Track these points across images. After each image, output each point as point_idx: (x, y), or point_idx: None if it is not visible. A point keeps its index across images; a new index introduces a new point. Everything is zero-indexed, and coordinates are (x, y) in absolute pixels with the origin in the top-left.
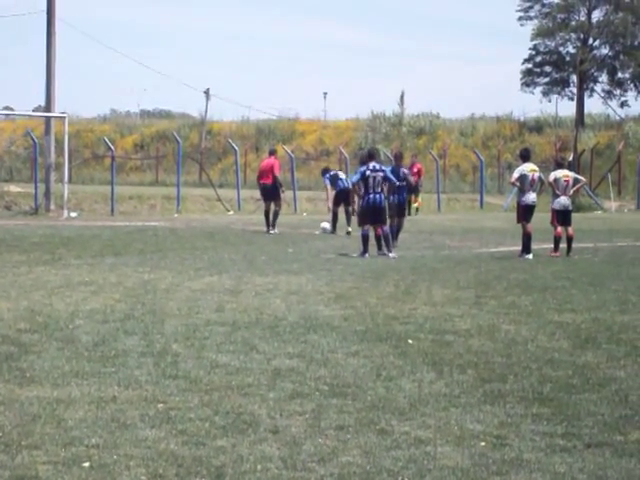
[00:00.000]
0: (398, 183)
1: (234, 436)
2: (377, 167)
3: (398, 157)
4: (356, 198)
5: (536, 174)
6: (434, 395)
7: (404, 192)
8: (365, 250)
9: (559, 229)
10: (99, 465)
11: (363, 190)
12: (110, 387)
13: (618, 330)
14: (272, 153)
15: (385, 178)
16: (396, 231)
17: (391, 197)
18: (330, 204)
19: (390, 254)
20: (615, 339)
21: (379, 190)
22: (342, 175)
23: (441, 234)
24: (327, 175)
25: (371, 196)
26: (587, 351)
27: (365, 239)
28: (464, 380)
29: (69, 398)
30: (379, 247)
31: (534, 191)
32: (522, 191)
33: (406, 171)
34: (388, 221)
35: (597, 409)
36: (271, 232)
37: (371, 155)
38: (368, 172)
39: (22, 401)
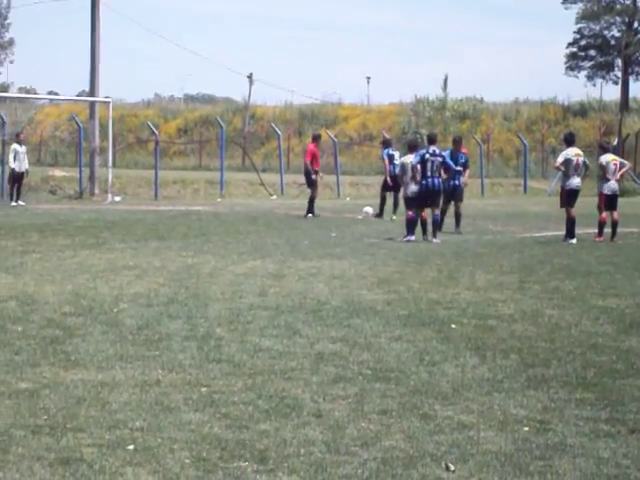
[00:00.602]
0: (458, 168)
1: (277, 420)
2: (437, 151)
3: (457, 142)
4: (408, 179)
5: (580, 158)
6: (477, 380)
7: (460, 177)
8: (411, 234)
9: (604, 214)
10: (143, 448)
11: (420, 174)
12: (154, 371)
13: None
14: (314, 139)
15: (443, 163)
16: (456, 216)
17: (449, 182)
18: (389, 178)
19: (434, 239)
20: None
21: (437, 175)
22: (397, 159)
23: (484, 219)
24: (386, 150)
25: (429, 180)
26: (631, 336)
27: (413, 223)
28: (507, 365)
29: (113, 381)
30: (424, 232)
31: (578, 175)
32: (566, 175)
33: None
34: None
35: None
36: (307, 217)
37: (431, 139)
38: (427, 155)
39: (67, 384)
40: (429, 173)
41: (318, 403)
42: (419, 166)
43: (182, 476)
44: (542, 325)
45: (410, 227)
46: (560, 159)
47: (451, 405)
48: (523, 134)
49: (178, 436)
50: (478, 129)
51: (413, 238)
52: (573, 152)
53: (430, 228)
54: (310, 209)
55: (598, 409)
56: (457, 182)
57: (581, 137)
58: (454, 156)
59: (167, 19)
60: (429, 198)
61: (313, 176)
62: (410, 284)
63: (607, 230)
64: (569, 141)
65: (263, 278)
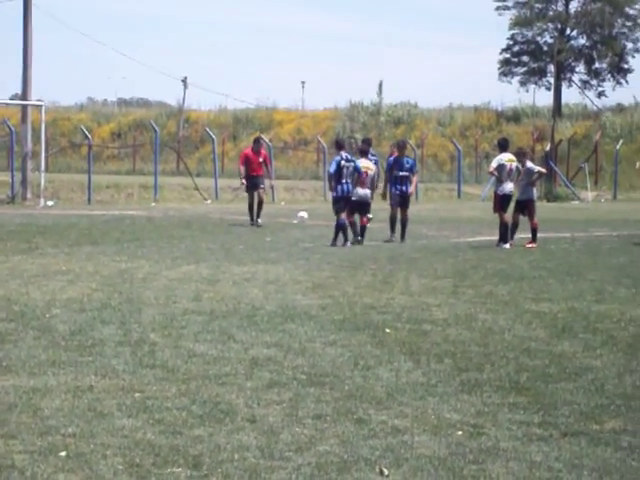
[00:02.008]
0: (404, 174)
1: (211, 425)
2: (349, 157)
3: (401, 146)
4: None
5: (514, 164)
6: (411, 384)
7: (407, 183)
8: (345, 239)
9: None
10: (76, 454)
11: (335, 180)
12: (87, 376)
13: (594, 319)
14: (253, 142)
15: (355, 169)
16: (402, 225)
17: (393, 188)
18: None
19: (348, 244)
20: (591, 328)
21: (350, 180)
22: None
23: (419, 223)
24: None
25: (344, 186)
26: (564, 340)
27: (341, 228)
28: (441, 369)
29: (45, 387)
30: (355, 235)
31: (511, 181)
32: (499, 181)
33: (410, 161)
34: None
35: (573, 398)
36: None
37: (340, 145)
38: (343, 162)
39: None
40: (344, 179)
41: (252, 408)
42: (333, 172)
43: None
44: (476, 329)
45: (344, 232)
46: (494, 164)
47: (385, 409)
48: (457, 139)
49: (111, 442)
50: (412, 134)
51: (349, 244)
52: (506, 157)
53: (350, 230)
54: (250, 216)
55: (531, 413)
56: (404, 188)
57: (514, 142)
58: (399, 161)
59: (101, 22)
60: (345, 203)
61: (242, 181)
62: (345, 289)
63: (525, 236)
64: (503, 146)
65: (197, 283)
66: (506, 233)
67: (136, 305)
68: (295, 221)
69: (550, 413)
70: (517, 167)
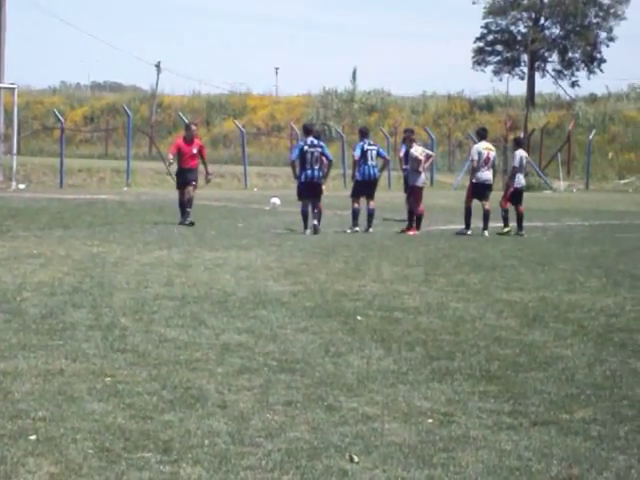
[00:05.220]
0: (332, 159)
1: (182, 410)
2: (315, 142)
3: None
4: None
5: (491, 152)
6: (382, 372)
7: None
8: (305, 226)
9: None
10: (46, 438)
11: (300, 166)
12: (57, 360)
13: (565, 309)
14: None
15: (323, 154)
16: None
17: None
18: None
19: (308, 231)
20: (562, 318)
21: (317, 166)
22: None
23: (391, 212)
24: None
25: (309, 172)
26: (534, 330)
27: (305, 215)
28: (412, 357)
29: (16, 371)
30: (318, 222)
31: (488, 169)
32: (475, 170)
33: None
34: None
35: (544, 387)
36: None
37: (307, 130)
38: (306, 147)
39: None
40: (308, 165)
41: (223, 394)
42: (298, 160)
43: (85, 466)
44: (447, 318)
45: (305, 219)
46: (475, 156)
47: (356, 397)
48: (430, 128)
49: (81, 426)
50: (386, 122)
51: (308, 232)
52: (483, 146)
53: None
54: (181, 213)
55: (501, 402)
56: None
57: (487, 132)
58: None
59: (74, 6)
60: (311, 190)
61: (170, 161)
62: (316, 275)
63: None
64: (481, 135)
65: (169, 268)
66: (486, 221)
67: (107, 289)
68: (267, 207)
69: (520, 402)
70: (494, 155)
